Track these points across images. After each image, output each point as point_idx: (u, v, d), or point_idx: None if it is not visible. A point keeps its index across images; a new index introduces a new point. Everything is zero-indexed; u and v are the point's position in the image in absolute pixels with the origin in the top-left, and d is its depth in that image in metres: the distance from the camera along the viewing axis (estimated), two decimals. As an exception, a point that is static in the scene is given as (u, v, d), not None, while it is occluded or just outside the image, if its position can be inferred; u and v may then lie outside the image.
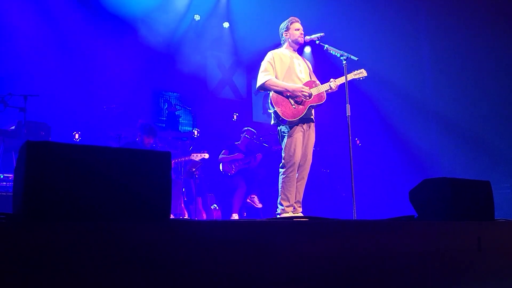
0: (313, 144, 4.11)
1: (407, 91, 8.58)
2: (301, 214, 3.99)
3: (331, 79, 4.11)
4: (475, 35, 7.91)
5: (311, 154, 4.08)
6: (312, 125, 4.11)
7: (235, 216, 5.95)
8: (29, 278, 1.23)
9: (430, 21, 8.84)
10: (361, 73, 4.21)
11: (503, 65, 7.84)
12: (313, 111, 4.12)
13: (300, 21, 4.26)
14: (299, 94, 3.93)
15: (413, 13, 8.98)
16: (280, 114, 3.90)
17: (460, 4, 7.94)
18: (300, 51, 4.37)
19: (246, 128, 6.68)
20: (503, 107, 7.92)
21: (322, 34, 4.19)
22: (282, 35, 4.26)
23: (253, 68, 8.32)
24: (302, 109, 3.95)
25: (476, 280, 2.39)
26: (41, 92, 5.05)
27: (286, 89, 3.94)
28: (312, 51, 8.38)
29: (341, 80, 4.09)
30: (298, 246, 1.78)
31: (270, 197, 6.04)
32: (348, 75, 4.04)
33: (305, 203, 4.14)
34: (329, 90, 4.10)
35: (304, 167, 4.03)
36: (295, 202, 3.98)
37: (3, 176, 4.85)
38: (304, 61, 4.32)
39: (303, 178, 4.04)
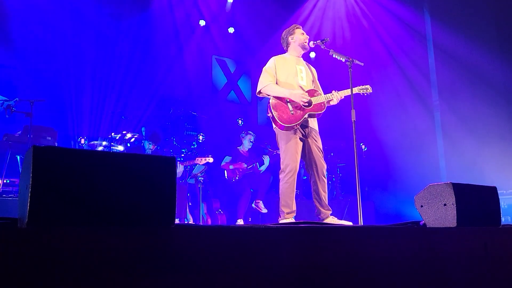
0: (318, 152, 4.00)
1: (412, 93, 8.55)
2: (335, 220, 3.89)
3: (333, 91, 4.03)
4: (482, 35, 7.89)
5: (320, 160, 3.98)
6: (314, 133, 4.03)
7: (240, 222, 5.94)
8: (34, 283, 1.23)
9: (435, 22, 8.82)
10: (367, 89, 4.12)
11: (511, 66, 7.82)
12: (315, 120, 4.07)
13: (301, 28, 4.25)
14: (299, 100, 3.88)
15: (418, 15, 8.97)
16: (276, 118, 3.86)
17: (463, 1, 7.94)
18: (305, 57, 4.33)
19: (244, 131, 6.67)
20: (509, 110, 7.88)
21: (327, 39, 4.16)
22: (287, 39, 4.18)
23: (258, 73, 8.34)
24: (299, 116, 3.88)
25: (483, 286, 2.37)
26: (47, 97, 5.11)
27: (285, 94, 3.90)
28: (317, 56, 8.38)
29: (343, 93, 4.04)
30: (302, 252, 1.77)
31: (276, 202, 6.02)
32: (354, 88, 3.97)
33: (309, 208, 4.11)
34: (330, 102, 4.04)
35: (313, 174, 3.96)
36: (321, 206, 3.90)
37: (9, 180, 4.88)
38: (309, 67, 4.24)
39: (318, 182, 3.93)
